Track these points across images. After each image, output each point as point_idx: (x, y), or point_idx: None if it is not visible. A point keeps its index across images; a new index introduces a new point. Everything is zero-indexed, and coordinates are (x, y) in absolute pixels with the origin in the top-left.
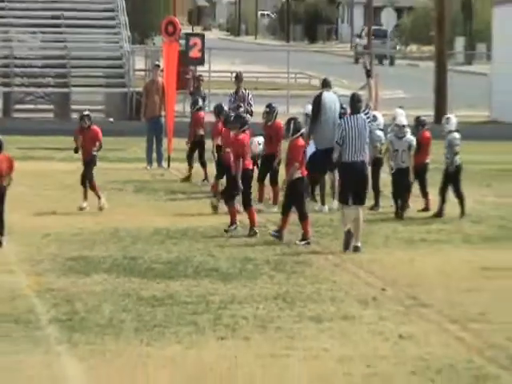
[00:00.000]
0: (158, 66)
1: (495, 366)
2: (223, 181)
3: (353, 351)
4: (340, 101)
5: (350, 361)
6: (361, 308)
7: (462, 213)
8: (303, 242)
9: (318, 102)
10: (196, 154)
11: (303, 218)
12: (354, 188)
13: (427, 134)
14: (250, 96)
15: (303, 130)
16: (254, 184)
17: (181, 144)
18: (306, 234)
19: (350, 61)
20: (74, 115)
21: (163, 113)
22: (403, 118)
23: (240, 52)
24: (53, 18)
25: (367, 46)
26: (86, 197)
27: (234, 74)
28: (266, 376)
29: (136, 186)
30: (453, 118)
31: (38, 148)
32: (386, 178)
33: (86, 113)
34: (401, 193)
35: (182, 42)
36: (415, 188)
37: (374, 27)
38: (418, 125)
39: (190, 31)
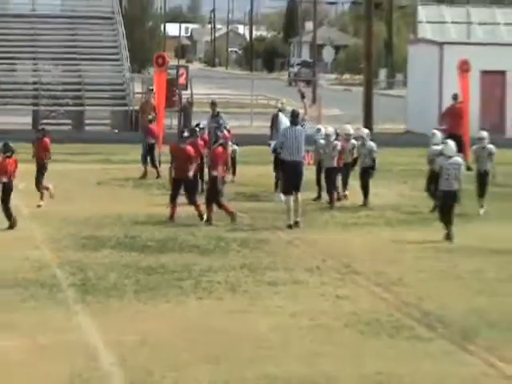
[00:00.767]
0: (152, 90)
1: (410, 319)
2: None
3: (301, 308)
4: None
5: (298, 315)
6: (307, 275)
7: (365, 203)
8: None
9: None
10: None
11: (219, 205)
12: (293, 181)
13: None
14: (223, 118)
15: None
16: None
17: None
18: (230, 214)
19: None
20: (87, 128)
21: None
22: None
23: (215, 79)
24: (71, 52)
25: (297, 73)
26: (41, 197)
27: (211, 101)
28: (235, 326)
29: (134, 182)
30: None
31: (59, 153)
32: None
33: (41, 127)
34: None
35: (172, 71)
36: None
37: (301, 59)
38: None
39: (176, 64)
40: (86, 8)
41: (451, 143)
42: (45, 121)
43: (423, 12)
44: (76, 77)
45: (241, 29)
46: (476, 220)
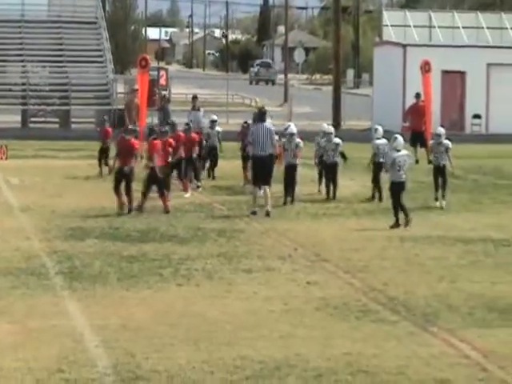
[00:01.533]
0: (136, 89)
1: (376, 304)
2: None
3: (274, 293)
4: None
5: (271, 300)
6: (280, 263)
7: (334, 196)
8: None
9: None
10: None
11: (161, 194)
12: (260, 173)
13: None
14: (202, 111)
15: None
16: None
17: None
18: (165, 207)
19: (269, 86)
20: (74, 126)
21: (137, 123)
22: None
23: (192, 80)
24: (57, 55)
25: (257, 73)
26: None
27: (192, 95)
28: (212, 311)
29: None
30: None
31: (47, 149)
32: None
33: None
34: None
35: (154, 73)
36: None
37: (261, 60)
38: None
39: (156, 65)
40: (71, 13)
41: (400, 138)
42: (33, 119)
43: (388, 16)
44: (62, 78)
45: (217, 32)
46: (438, 211)
